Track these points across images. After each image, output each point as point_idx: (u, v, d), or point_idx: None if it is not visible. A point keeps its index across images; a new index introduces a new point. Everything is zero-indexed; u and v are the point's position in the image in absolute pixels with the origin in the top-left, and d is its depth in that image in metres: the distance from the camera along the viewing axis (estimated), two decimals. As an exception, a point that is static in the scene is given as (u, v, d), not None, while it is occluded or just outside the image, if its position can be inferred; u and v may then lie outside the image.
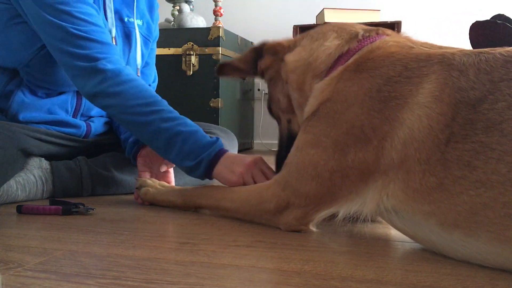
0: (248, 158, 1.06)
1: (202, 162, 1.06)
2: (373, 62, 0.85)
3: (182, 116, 1.13)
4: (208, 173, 1.07)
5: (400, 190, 0.76)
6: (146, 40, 1.45)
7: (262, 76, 1.09)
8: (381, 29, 0.95)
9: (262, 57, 1.06)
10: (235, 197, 0.99)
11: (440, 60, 0.79)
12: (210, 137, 1.10)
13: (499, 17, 1.94)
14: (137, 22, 1.41)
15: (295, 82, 0.99)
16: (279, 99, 1.07)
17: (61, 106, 1.34)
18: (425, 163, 0.73)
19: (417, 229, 0.77)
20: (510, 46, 0.77)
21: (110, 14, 1.28)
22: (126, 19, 1.37)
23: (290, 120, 1.08)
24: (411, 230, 0.78)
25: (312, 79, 0.95)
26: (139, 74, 1.39)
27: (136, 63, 1.39)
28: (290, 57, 1.00)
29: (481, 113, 0.71)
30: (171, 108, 1.14)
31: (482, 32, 1.91)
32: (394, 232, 0.92)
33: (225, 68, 1.11)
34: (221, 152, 1.07)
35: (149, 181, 1.19)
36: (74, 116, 1.37)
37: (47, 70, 1.27)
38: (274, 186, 0.91)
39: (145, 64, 1.51)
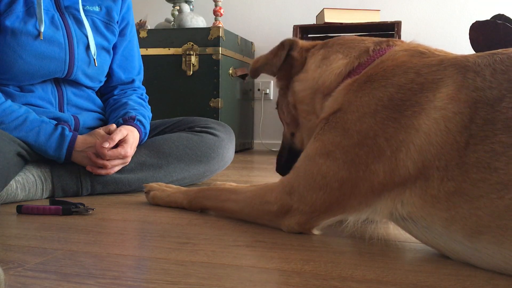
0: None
1: (61, 149, 1.27)
2: (383, 72, 0.83)
3: (24, 117, 1.25)
4: (69, 153, 1.28)
5: (417, 197, 0.73)
6: (107, 25, 1.44)
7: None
8: (391, 40, 0.93)
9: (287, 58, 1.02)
10: (239, 198, 0.99)
11: (453, 63, 0.77)
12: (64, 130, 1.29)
13: (499, 17, 1.94)
14: (93, 8, 1.41)
15: (305, 112, 1.00)
16: (284, 112, 1.07)
17: (43, 99, 1.33)
18: (444, 169, 0.70)
19: (438, 239, 0.74)
20: (510, 46, 0.77)
21: (39, 9, 1.28)
22: (80, 7, 1.37)
23: (294, 134, 1.08)
24: (432, 240, 0.75)
25: (322, 100, 0.94)
26: (96, 64, 1.38)
27: (91, 51, 1.37)
28: (297, 86, 1.00)
29: (500, 112, 0.68)
30: (15, 116, 1.24)
31: (482, 32, 1.91)
32: (394, 232, 0.92)
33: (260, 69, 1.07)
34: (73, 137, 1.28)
35: (155, 185, 1.23)
36: (61, 108, 1.37)
37: None
38: (279, 189, 0.90)
39: (124, 59, 1.52)
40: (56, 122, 1.30)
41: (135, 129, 1.36)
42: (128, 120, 1.38)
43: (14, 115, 1.23)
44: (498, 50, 0.76)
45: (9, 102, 1.25)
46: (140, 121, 1.40)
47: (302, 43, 1.03)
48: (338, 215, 0.83)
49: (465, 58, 0.77)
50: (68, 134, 1.28)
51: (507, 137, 0.66)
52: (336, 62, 0.94)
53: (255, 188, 0.97)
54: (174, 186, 1.25)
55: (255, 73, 1.07)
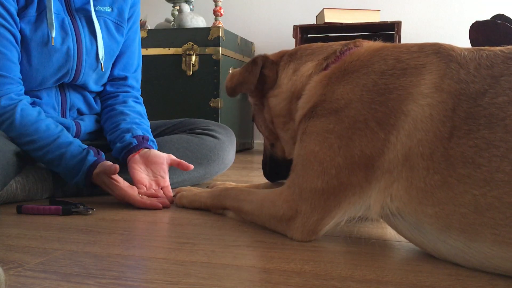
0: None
1: (79, 177, 1.20)
2: (361, 62, 0.84)
3: (55, 139, 1.21)
4: (88, 182, 1.20)
5: (403, 190, 0.74)
6: (117, 26, 1.41)
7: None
8: (359, 41, 0.93)
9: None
10: (253, 199, 0.96)
11: (436, 51, 0.78)
12: (84, 149, 1.22)
13: (499, 17, 1.94)
14: (104, 9, 1.38)
15: (283, 124, 1.00)
16: (261, 126, 1.08)
17: (47, 104, 1.32)
18: (428, 159, 0.71)
19: (423, 237, 0.74)
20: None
21: (50, 14, 1.26)
22: (91, 8, 1.33)
23: (273, 144, 1.09)
24: (417, 239, 0.75)
25: (296, 103, 0.94)
26: (103, 69, 1.36)
27: (99, 56, 1.35)
28: (273, 101, 1.00)
29: (482, 107, 0.69)
30: (47, 134, 1.21)
31: (482, 32, 1.91)
32: (393, 232, 0.92)
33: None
34: (94, 164, 1.19)
35: (184, 188, 1.25)
36: (63, 113, 1.36)
37: None
38: (286, 191, 0.88)
39: (121, 53, 1.46)
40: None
41: (151, 151, 1.29)
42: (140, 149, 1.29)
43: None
44: (486, 47, 0.77)
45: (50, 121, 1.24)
46: (152, 141, 1.36)
47: (271, 58, 1.02)
48: (336, 211, 0.81)
49: (451, 47, 0.78)
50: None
51: (489, 133, 0.68)
52: (307, 65, 0.95)
53: (269, 190, 0.95)
54: (200, 188, 1.23)
55: (233, 92, 1.05)
